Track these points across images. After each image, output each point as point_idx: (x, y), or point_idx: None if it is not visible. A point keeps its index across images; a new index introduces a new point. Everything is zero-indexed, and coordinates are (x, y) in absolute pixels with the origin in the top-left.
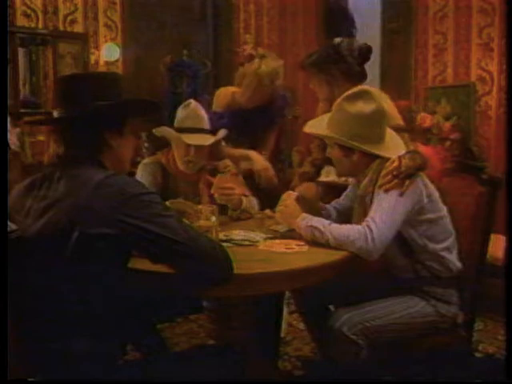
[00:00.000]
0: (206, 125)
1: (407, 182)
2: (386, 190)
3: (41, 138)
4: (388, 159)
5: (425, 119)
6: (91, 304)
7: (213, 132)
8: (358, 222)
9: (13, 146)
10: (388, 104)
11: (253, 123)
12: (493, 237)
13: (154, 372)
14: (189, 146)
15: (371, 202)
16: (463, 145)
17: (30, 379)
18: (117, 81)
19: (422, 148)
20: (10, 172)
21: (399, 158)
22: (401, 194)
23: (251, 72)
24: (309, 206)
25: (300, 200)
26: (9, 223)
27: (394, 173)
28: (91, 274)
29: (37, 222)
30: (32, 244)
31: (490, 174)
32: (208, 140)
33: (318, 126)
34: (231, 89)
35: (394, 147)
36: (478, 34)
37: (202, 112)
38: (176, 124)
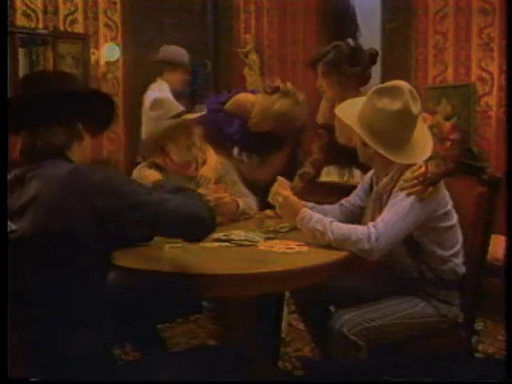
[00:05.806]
0: None
1: (430, 189)
2: (408, 194)
3: None
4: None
5: (425, 119)
6: (86, 304)
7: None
8: (372, 219)
9: None
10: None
11: (260, 141)
12: (493, 237)
13: (154, 372)
14: (188, 129)
15: (388, 200)
16: (463, 145)
17: (30, 379)
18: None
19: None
20: None
21: (425, 164)
22: (419, 200)
23: (263, 107)
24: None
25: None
26: (9, 223)
27: (420, 179)
28: (77, 273)
29: (15, 223)
30: (15, 245)
31: (490, 174)
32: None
33: (349, 112)
34: (251, 98)
35: (421, 151)
36: (478, 34)
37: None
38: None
